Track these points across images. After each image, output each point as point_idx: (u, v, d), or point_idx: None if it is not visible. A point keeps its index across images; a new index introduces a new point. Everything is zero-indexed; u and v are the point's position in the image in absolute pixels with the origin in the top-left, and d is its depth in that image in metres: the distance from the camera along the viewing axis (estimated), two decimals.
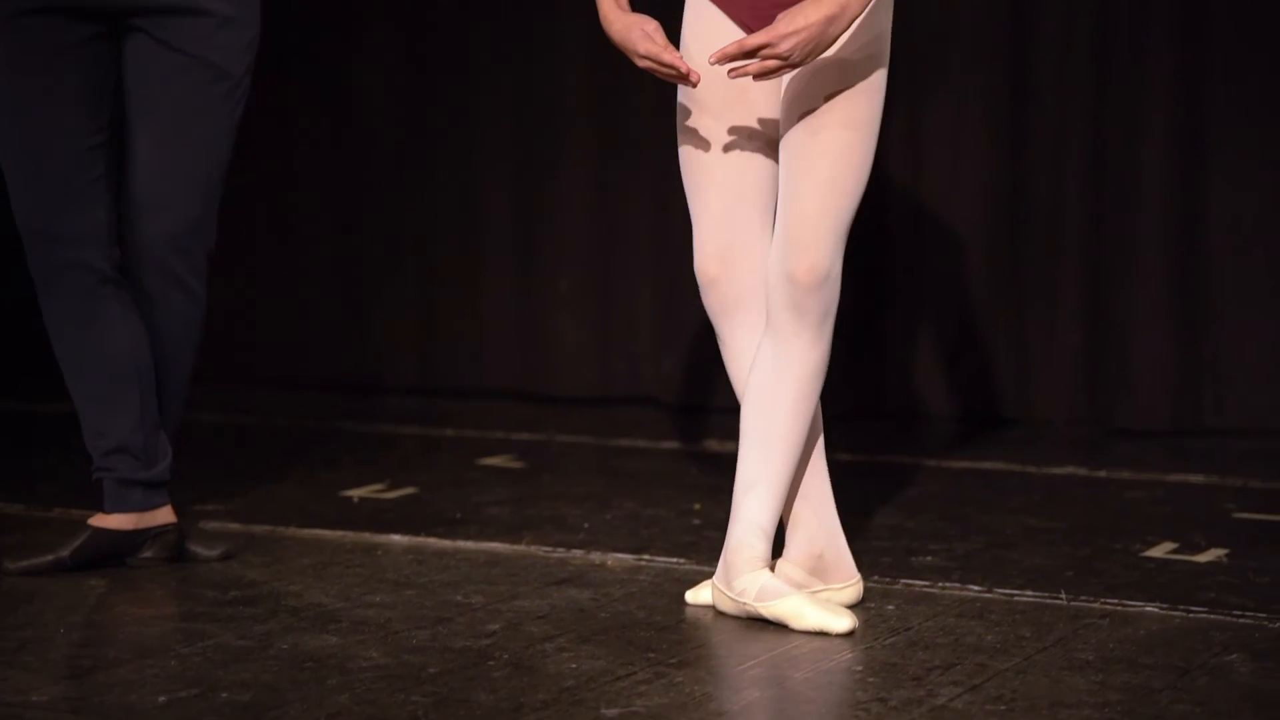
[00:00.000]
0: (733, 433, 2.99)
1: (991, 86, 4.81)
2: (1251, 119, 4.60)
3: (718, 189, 2.91)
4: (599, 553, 3.32)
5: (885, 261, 4.92)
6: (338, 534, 3.49)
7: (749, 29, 2.83)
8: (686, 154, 2.93)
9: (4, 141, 3.14)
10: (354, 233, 5.50)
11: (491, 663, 2.61)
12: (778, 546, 2.95)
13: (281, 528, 3.54)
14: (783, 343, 2.87)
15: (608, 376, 5.24)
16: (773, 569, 2.91)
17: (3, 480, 4.01)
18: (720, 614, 2.89)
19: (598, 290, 5.24)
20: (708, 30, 2.87)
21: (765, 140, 2.90)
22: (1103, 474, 4.14)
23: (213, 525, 3.53)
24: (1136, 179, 4.67)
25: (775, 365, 2.88)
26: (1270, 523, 3.61)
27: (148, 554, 3.20)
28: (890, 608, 2.94)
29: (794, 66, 2.72)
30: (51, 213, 3.14)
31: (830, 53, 2.75)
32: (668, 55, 2.78)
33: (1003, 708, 2.42)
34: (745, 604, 2.84)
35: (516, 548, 3.37)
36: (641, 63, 2.81)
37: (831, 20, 2.70)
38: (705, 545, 3.37)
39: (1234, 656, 2.65)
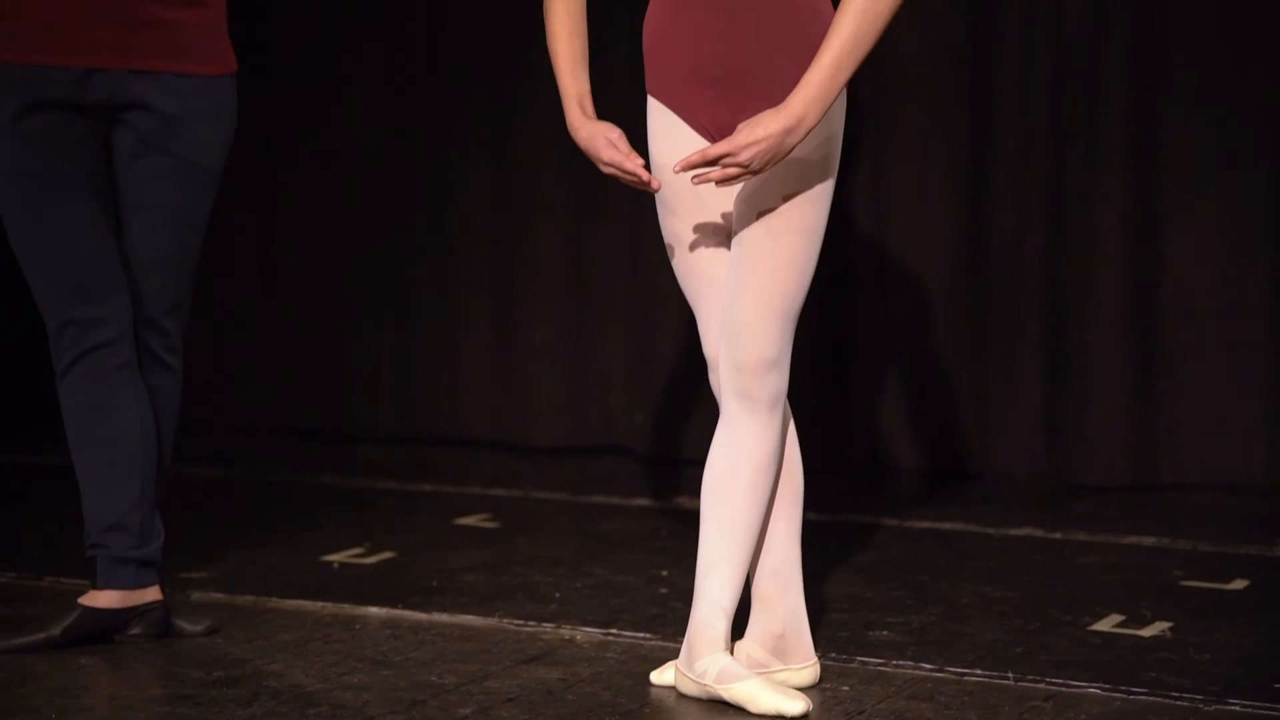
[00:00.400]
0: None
1: (953, 146, 4.96)
2: (1204, 184, 4.75)
3: (704, 282, 3.05)
4: (568, 627, 3.45)
5: (849, 316, 5.07)
6: (318, 605, 3.62)
7: (708, 134, 2.97)
8: (670, 250, 3.07)
9: (25, 243, 3.26)
10: (335, 285, 5.63)
11: None
12: (741, 622, 3.09)
13: (264, 598, 3.66)
14: (735, 429, 3.01)
15: (582, 427, 5.39)
16: (733, 649, 3.06)
17: None
18: (683, 696, 3.02)
19: (572, 343, 5.38)
20: (668, 135, 3.01)
21: (728, 234, 3.04)
22: (1058, 535, 4.28)
23: (198, 596, 3.67)
24: (1093, 240, 4.82)
25: (730, 452, 3.01)
26: (1215, 592, 3.76)
27: (135, 631, 3.33)
28: (845, 688, 3.08)
29: (754, 174, 2.86)
30: (85, 303, 3.27)
31: None
32: (630, 164, 2.92)
33: None
34: (706, 685, 2.98)
35: (489, 621, 3.50)
36: (605, 169, 2.95)
37: (789, 131, 2.83)
38: (671, 618, 3.50)
39: None
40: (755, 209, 2.95)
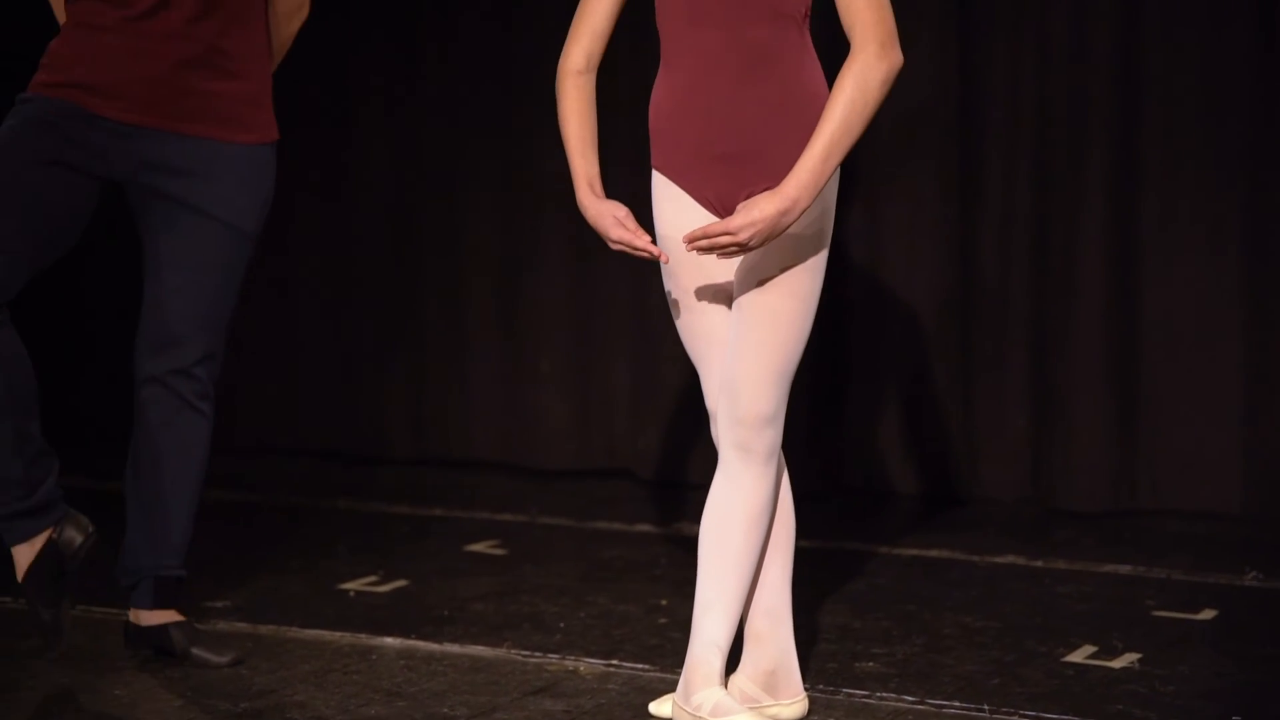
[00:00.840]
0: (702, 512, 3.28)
1: (943, 188, 5.17)
2: (1180, 225, 4.96)
3: (707, 342, 3.25)
4: (572, 658, 3.67)
5: (844, 347, 5.28)
6: (337, 635, 3.84)
7: (712, 207, 3.18)
8: (674, 310, 3.28)
9: None
10: (348, 313, 5.86)
11: None
12: (735, 658, 3.30)
13: (285, 628, 3.88)
14: (733, 479, 3.22)
15: (587, 451, 5.61)
16: (727, 683, 3.27)
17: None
18: None
19: (578, 370, 5.60)
20: (674, 208, 3.21)
21: (729, 296, 3.25)
22: (1039, 564, 4.50)
23: (223, 625, 3.89)
24: (1075, 278, 5.03)
25: (727, 498, 3.23)
26: (1184, 622, 3.97)
27: (76, 549, 3.43)
28: None
29: (751, 250, 3.07)
30: None
31: None
32: (639, 241, 3.13)
33: None
34: (701, 717, 3.18)
35: (498, 651, 3.72)
36: (615, 246, 3.16)
37: (784, 213, 3.04)
38: (670, 648, 3.72)
39: None
40: (755, 276, 3.17)
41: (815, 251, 3.17)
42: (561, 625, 3.93)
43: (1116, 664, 3.64)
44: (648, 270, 5.28)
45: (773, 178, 3.08)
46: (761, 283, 3.16)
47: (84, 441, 5.61)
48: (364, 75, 5.79)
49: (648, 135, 3.23)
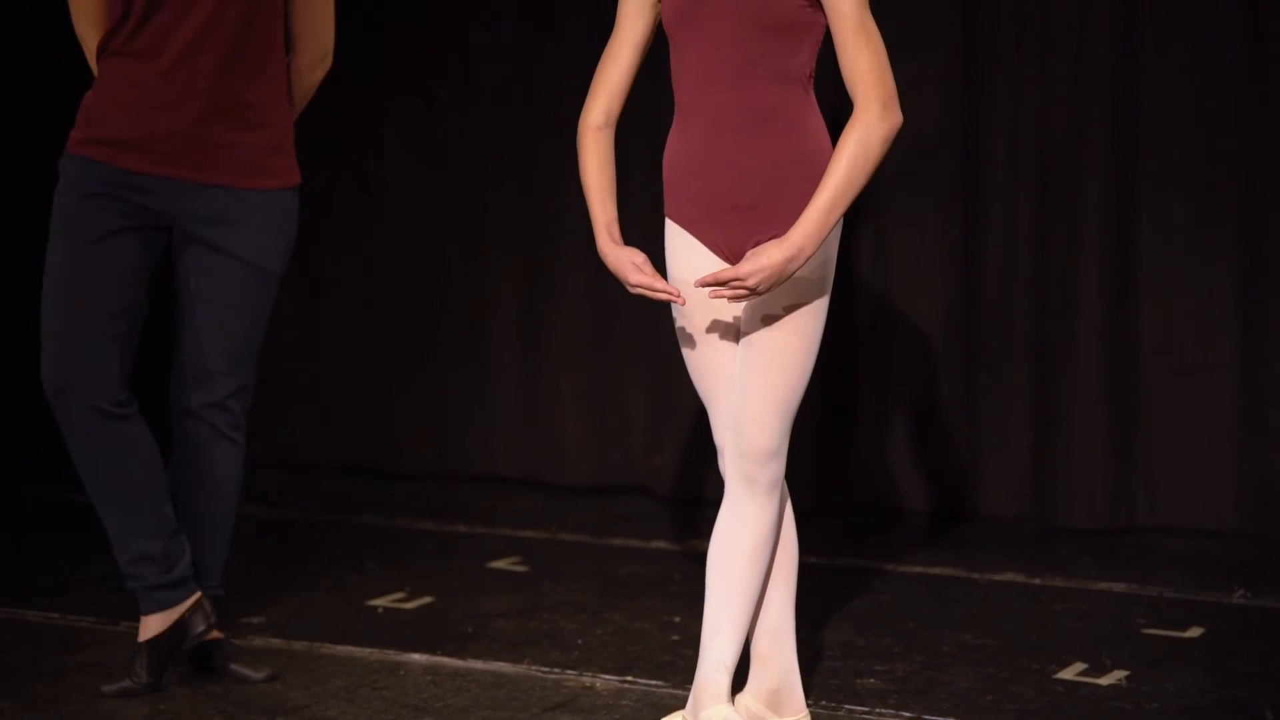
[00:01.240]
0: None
1: (948, 215, 5.37)
2: (1176, 251, 5.16)
3: (715, 380, 3.45)
4: (589, 674, 3.88)
5: (852, 369, 5.48)
6: (366, 651, 4.05)
7: (722, 253, 3.37)
8: (684, 349, 3.48)
9: (46, 303, 3.66)
10: (374, 333, 6.08)
11: None
12: (741, 676, 3.50)
13: (317, 644, 4.10)
14: (738, 508, 3.42)
15: (605, 469, 5.82)
16: (734, 702, 3.47)
17: (70, 585, 4.60)
18: None
19: (597, 391, 5.81)
20: (686, 254, 3.41)
21: (736, 336, 3.45)
22: (1038, 581, 4.70)
23: (259, 641, 4.10)
24: (1076, 303, 5.23)
25: (733, 527, 3.42)
26: (1172, 639, 4.16)
27: (198, 630, 3.73)
28: None
29: (759, 294, 3.28)
30: (67, 367, 3.64)
31: None
32: (658, 285, 3.33)
33: None
34: None
35: (519, 668, 3.94)
36: (634, 290, 3.36)
37: (790, 260, 3.24)
38: (681, 665, 3.93)
39: None
40: (762, 317, 3.36)
41: (818, 295, 3.36)
42: (579, 642, 4.13)
43: (1105, 681, 3.84)
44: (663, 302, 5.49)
45: (779, 227, 3.28)
46: (767, 324, 3.36)
47: None
48: (390, 101, 6.00)
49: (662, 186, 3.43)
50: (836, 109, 3.32)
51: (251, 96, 3.72)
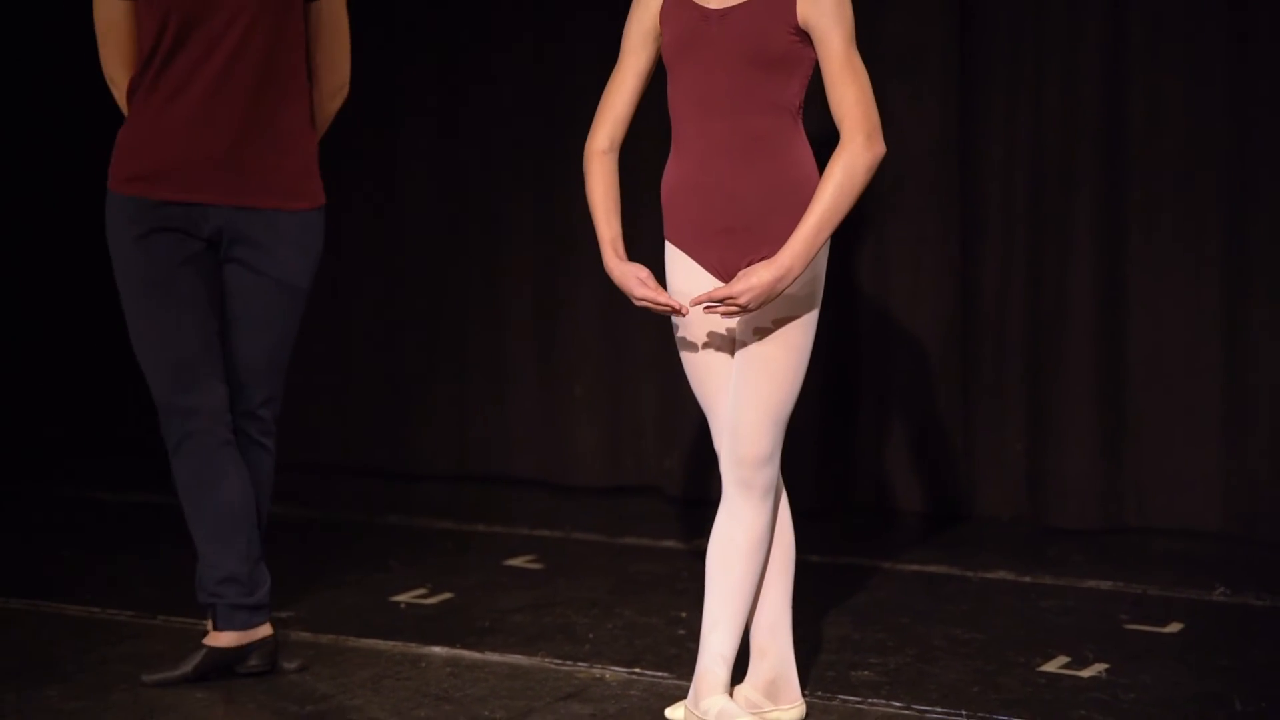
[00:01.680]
0: None
1: (946, 225, 5.60)
2: (1164, 263, 5.38)
3: (713, 391, 3.67)
4: (599, 666, 4.12)
5: (854, 375, 5.72)
6: (390, 644, 4.30)
7: (717, 273, 3.61)
8: (684, 362, 3.71)
9: (142, 341, 3.92)
10: (396, 340, 6.33)
11: None
12: (741, 668, 3.74)
13: (344, 638, 4.35)
14: (735, 511, 3.65)
15: (617, 471, 6.06)
16: (732, 692, 3.71)
17: (107, 580, 4.86)
18: None
19: (609, 395, 6.05)
20: (684, 273, 3.65)
21: (732, 349, 3.69)
22: (1028, 579, 4.93)
23: (290, 635, 4.35)
24: (1068, 311, 5.46)
25: (730, 528, 3.65)
26: (1150, 634, 4.39)
27: (253, 663, 4.01)
28: None
29: (751, 312, 3.51)
30: (188, 392, 3.93)
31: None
32: (661, 298, 3.57)
33: None
34: None
35: (533, 660, 4.18)
36: (638, 303, 3.60)
37: (779, 279, 3.48)
38: (687, 658, 4.16)
39: None
40: (755, 332, 3.60)
41: (807, 310, 3.60)
42: (590, 636, 4.38)
43: (1085, 673, 4.07)
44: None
45: (769, 247, 3.52)
46: (760, 338, 3.59)
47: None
48: (411, 114, 6.25)
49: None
50: (823, 136, 3.55)
51: (281, 122, 3.96)
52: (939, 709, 3.82)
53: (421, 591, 4.80)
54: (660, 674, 4.07)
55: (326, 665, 4.13)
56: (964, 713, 3.79)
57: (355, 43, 4.16)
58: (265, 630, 4.04)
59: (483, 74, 6.16)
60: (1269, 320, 5.29)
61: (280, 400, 4.13)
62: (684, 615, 4.55)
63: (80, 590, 4.78)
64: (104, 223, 3.96)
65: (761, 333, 3.60)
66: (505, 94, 6.13)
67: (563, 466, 6.12)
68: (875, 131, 3.47)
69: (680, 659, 4.17)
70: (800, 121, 3.55)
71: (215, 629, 4.01)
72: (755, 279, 3.47)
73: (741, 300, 3.48)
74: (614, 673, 4.08)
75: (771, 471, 3.63)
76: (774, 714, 3.73)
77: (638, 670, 4.10)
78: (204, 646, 4.00)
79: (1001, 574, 4.98)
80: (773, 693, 3.75)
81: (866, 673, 4.08)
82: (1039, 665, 4.13)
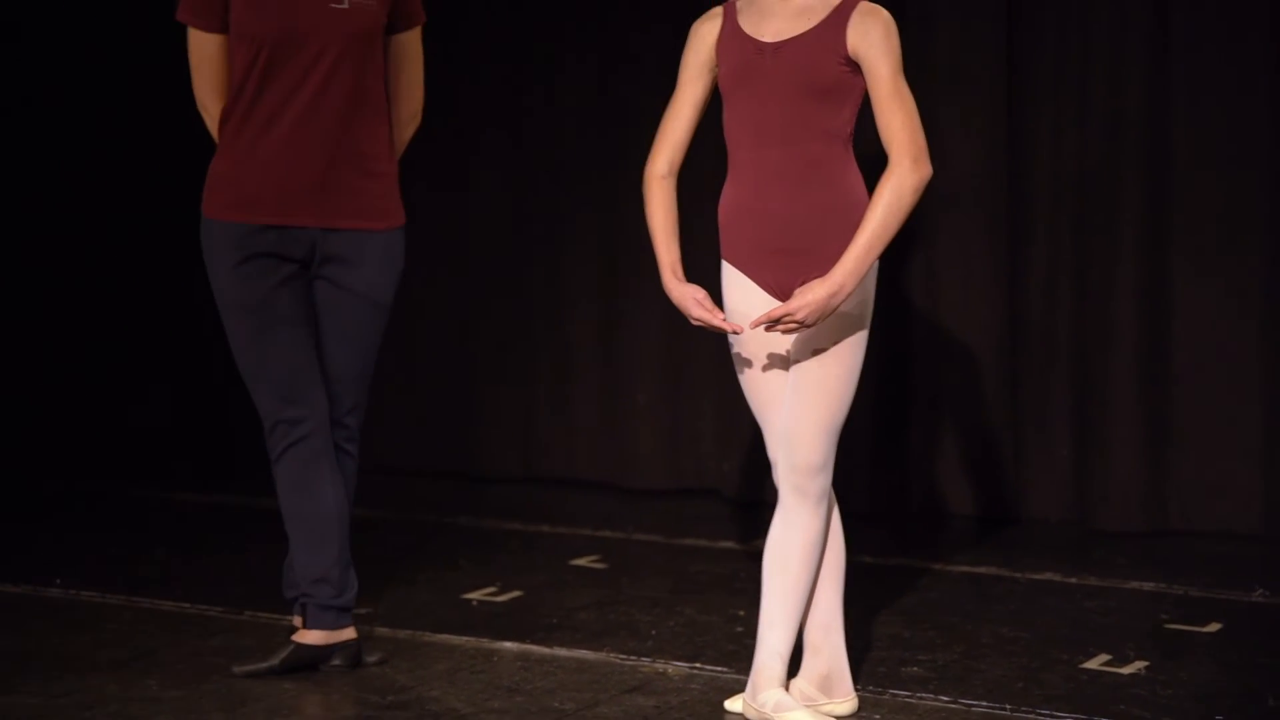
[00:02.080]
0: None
1: (994, 241, 5.80)
2: (1207, 275, 5.57)
3: (768, 403, 3.89)
4: (662, 661, 4.35)
5: (909, 385, 5.93)
6: (463, 639, 4.54)
7: (773, 292, 3.82)
8: (740, 377, 3.93)
9: (245, 361, 4.17)
10: (465, 349, 6.58)
11: None
12: (796, 663, 3.96)
13: (420, 633, 4.59)
14: (790, 516, 3.86)
15: (678, 474, 6.30)
16: (788, 685, 3.93)
17: (197, 578, 5.12)
18: None
19: (670, 402, 6.29)
20: (741, 293, 3.87)
21: (787, 364, 3.91)
22: (1074, 580, 5.13)
23: (370, 630, 4.60)
24: (1113, 323, 5.65)
25: (785, 533, 3.87)
26: (1190, 633, 4.58)
27: (336, 662, 4.26)
28: (876, 717, 3.95)
29: (807, 327, 3.73)
30: (291, 406, 4.17)
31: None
32: (716, 320, 3.79)
33: None
34: (765, 714, 3.84)
35: (599, 655, 4.41)
36: (695, 323, 3.82)
37: (833, 296, 3.69)
38: (744, 653, 4.37)
39: None
40: (809, 348, 3.82)
41: (859, 329, 3.82)
42: (653, 633, 4.60)
43: (1126, 670, 4.27)
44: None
45: (822, 268, 3.73)
46: (815, 354, 3.81)
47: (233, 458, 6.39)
48: (478, 133, 6.50)
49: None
50: (873, 160, 3.77)
51: (365, 148, 4.20)
52: (984, 703, 4.03)
53: (492, 589, 5.04)
54: (720, 669, 4.29)
55: (405, 659, 4.38)
56: (1008, 707, 4.00)
57: (428, 71, 4.39)
58: (350, 633, 4.27)
59: (549, 90, 6.39)
60: None
61: (364, 409, 4.37)
62: (741, 613, 4.77)
63: (173, 587, 5.04)
64: (198, 243, 4.21)
65: (816, 350, 3.81)
66: (572, 111, 6.36)
67: (625, 470, 6.36)
68: (922, 154, 3.68)
69: (738, 655, 4.39)
70: (851, 148, 3.76)
71: (305, 627, 4.25)
72: (811, 295, 3.68)
73: (799, 316, 3.69)
74: (676, 667, 4.31)
75: (825, 479, 3.84)
76: (828, 707, 3.95)
77: (698, 665, 4.32)
78: (292, 642, 4.24)
79: (1048, 575, 5.18)
80: (826, 687, 3.97)
81: (916, 669, 4.29)
82: (1081, 663, 4.33)
